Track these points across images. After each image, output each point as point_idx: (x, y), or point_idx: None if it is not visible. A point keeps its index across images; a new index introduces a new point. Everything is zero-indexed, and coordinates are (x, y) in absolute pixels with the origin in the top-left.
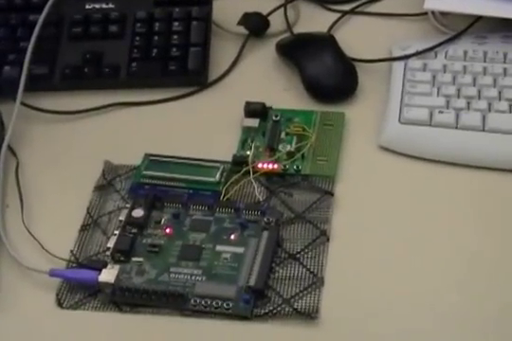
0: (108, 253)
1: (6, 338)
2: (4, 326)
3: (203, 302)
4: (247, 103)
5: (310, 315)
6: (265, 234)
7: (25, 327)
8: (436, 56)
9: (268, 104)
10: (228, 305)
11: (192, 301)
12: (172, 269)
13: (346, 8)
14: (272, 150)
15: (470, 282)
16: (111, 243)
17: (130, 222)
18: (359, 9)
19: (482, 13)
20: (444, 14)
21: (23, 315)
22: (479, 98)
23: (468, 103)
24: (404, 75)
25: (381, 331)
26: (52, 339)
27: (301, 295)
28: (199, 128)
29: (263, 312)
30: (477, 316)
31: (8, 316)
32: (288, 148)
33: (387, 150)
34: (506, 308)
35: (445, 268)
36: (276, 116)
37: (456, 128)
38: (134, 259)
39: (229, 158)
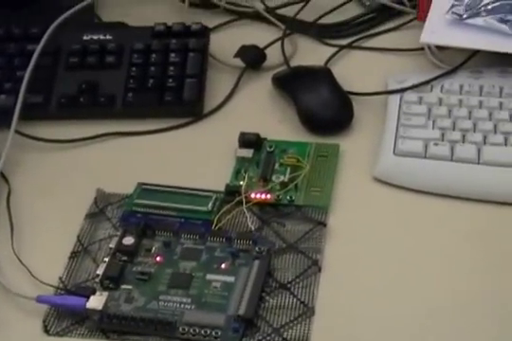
0: (97, 280)
1: None
2: None
3: (191, 330)
4: (242, 134)
5: None
6: (256, 263)
7: None
8: (432, 90)
9: (263, 136)
10: (216, 334)
11: (181, 329)
12: (161, 297)
13: (343, 42)
14: (266, 180)
15: (465, 313)
16: (100, 270)
17: (120, 249)
18: (356, 44)
19: (478, 47)
20: (440, 49)
21: None
22: (474, 130)
23: (464, 136)
24: (399, 108)
25: None
26: None
27: (291, 324)
28: (193, 158)
29: None
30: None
31: None
32: (282, 178)
33: (381, 181)
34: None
35: (438, 300)
36: (270, 147)
37: (451, 160)
38: (123, 286)
39: (223, 188)
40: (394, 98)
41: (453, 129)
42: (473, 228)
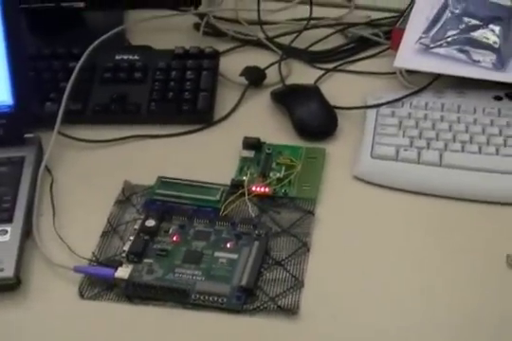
0: (124, 254)
1: (35, 323)
2: (34, 313)
3: (202, 298)
4: (245, 138)
5: (291, 311)
6: (256, 244)
7: (51, 314)
8: (403, 105)
9: (263, 140)
10: (222, 301)
11: (193, 296)
12: (176, 270)
13: (330, 66)
14: (264, 176)
15: (438, 289)
16: (126, 247)
17: (143, 230)
18: (341, 68)
19: (441, 72)
20: (409, 73)
21: (50, 304)
22: (437, 139)
23: (428, 143)
24: (376, 120)
25: (353, 326)
26: (74, 325)
27: (284, 294)
28: (204, 157)
29: (251, 307)
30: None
31: (38, 305)
32: (278, 175)
33: (360, 180)
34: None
35: (407, 275)
36: (269, 149)
37: (418, 163)
38: (145, 260)
39: (229, 182)
40: (372, 112)
41: (420, 137)
42: (436, 220)
